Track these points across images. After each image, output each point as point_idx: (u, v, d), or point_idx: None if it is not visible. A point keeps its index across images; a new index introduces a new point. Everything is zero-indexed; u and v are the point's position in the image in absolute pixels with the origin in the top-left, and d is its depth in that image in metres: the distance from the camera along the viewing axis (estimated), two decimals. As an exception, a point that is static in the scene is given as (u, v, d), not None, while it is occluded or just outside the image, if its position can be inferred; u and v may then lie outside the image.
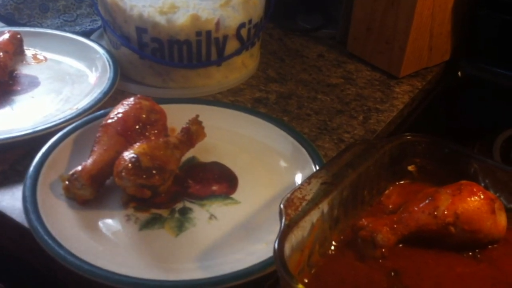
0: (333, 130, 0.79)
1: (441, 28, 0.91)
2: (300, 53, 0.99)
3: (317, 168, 0.67)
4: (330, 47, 1.01)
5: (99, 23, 0.97)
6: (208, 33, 0.79)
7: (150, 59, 0.81)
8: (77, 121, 0.72)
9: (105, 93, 0.77)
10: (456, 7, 0.90)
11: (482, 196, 0.56)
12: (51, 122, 0.71)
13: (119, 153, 0.63)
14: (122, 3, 0.78)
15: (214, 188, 0.67)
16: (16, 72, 0.85)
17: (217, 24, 0.79)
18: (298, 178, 0.68)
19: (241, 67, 0.88)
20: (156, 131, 0.68)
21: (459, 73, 0.93)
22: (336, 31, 1.02)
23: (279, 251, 0.46)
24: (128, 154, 0.61)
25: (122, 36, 0.81)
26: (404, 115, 0.86)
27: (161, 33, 0.78)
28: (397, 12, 0.86)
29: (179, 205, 0.64)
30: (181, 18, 0.77)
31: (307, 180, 0.55)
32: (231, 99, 0.85)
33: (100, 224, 0.60)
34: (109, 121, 0.67)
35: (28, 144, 0.70)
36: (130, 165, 0.60)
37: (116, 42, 0.83)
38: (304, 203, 0.52)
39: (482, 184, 0.61)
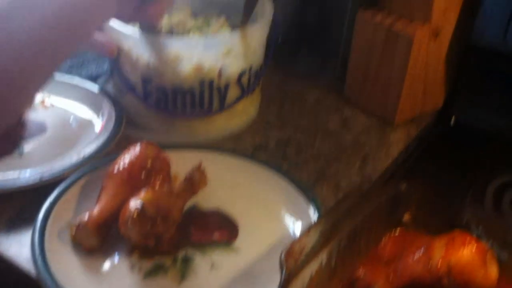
0: (331, 177, 0.81)
1: (435, 76, 0.94)
2: (298, 98, 1.02)
3: (316, 215, 0.69)
4: (327, 91, 1.04)
5: (105, 67, 1.00)
6: (211, 82, 0.82)
7: (155, 109, 0.84)
8: (83, 167, 0.74)
9: (111, 140, 0.80)
10: (448, 56, 0.94)
11: (474, 247, 0.58)
12: (57, 170, 0.73)
13: (124, 201, 0.65)
14: (129, 53, 0.81)
15: (216, 235, 0.68)
16: (23, 117, 0.87)
17: (219, 73, 0.82)
18: (298, 226, 0.70)
19: (242, 113, 0.91)
20: (160, 179, 0.70)
21: (452, 120, 0.96)
22: (333, 76, 1.05)
23: (279, 304, 0.48)
24: (133, 203, 0.63)
25: (128, 84, 0.84)
26: (399, 161, 0.88)
27: (166, 83, 0.81)
28: (392, 60, 0.90)
29: (181, 253, 0.66)
30: (186, 68, 0.80)
31: (306, 231, 0.57)
32: (232, 144, 0.87)
33: (106, 272, 0.62)
34: (115, 169, 0.69)
35: (34, 191, 0.72)
36: (136, 214, 0.62)
37: (122, 89, 0.86)
38: (303, 254, 0.54)
39: (476, 232, 0.63)
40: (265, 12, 0.87)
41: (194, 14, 0.97)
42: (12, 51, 0.43)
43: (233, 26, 0.94)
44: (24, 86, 0.46)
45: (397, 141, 0.90)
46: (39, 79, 0.48)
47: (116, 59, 0.84)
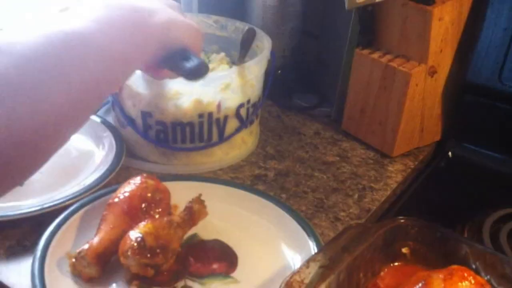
0: (329, 208, 0.82)
1: (432, 111, 0.96)
2: (297, 130, 1.03)
3: (315, 247, 0.69)
4: (326, 124, 1.05)
5: (107, 99, 1.01)
6: (210, 114, 0.84)
7: (154, 143, 0.85)
8: (83, 198, 0.75)
9: (111, 170, 0.80)
10: (445, 92, 0.95)
11: (472, 281, 0.58)
12: (58, 199, 0.74)
13: (124, 231, 0.65)
14: (130, 89, 0.82)
15: (215, 266, 0.69)
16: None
17: (218, 106, 0.84)
18: (296, 257, 0.70)
19: (241, 144, 0.92)
20: (160, 210, 0.71)
21: (450, 154, 0.97)
22: (331, 110, 1.07)
23: (279, 337, 0.49)
24: (133, 234, 0.64)
25: (128, 117, 0.85)
26: (397, 194, 0.89)
27: (166, 117, 0.82)
28: (389, 96, 0.91)
29: (180, 284, 0.66)
30: (185, 103, 0.81)
31: (306, 264, 0.57)
32: (231, 175, 0.88)
33: (105, 302, 0.62)
34: (116, 200, 0.70)
35: (34, 220, 0.72)
36: (135, 244, 0.62)
37: (122, 122, 0.87)
38: (302, 287, 0.55)
39: (473, 267, 0.64)
40: (264, 48, 0.90)
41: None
42: (32, 123, 0.40)
43: (233, 61, 0.96)
44: (41, 154, 0.44)
45: (395, 174, 0.91)
46: (55, 145, 0.46)
47: (117, 93, 0.85)
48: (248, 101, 0.88)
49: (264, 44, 0.91)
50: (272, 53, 0.90)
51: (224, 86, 0.83)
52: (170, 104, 0.81)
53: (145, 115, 0.83)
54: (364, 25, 0.93)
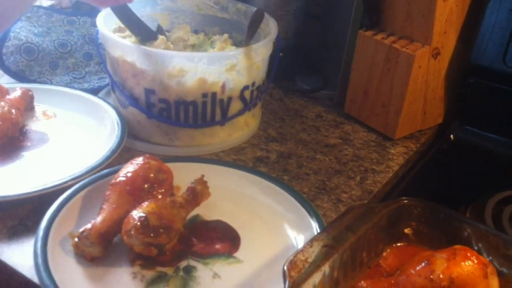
0: (332, 190, 0.82)
1: (435, 94, 0.95)
2: (299, 113, 1.03)
3: (317, 228, 0.70)
4: (328, 107, 1.05)
5: (107, 80, 1.01)
6: (214, 95, 0.83)
7: (158, 119, 0.84)
8: (85, 178, 0.74)
9: (113, 151, 0.80)
10: (448, 75, 0.95)
11: (475, 261, 0.59)
12: (60, 180, 0.74)
13: (127, 211, 0.65)
14: (133, 66, 0.82)
15: (218, 246, 0.69)
16: (26, 128, 0.88)
17: (223, 87, 0.83)
18: (299, 238, 0.70)
19: (244, 126, 0.92)
20: (163, 190, 0.71)
21: (452, 136, 0.97)
22: (334, 93, 1.06)
23: (283, 314, 0.49)
24: (137, 213, 0.64)
25: (130, 96, 0.85)
26: (399, 176, 0.89)
27: (169, 95, 0.82)
28: (392, 78, 0.91)
29: (183, 263, 0.66)
30: (189, 81, 0.81)
31: (309, 243, 0.57)
32: (233, 157, 0.88)
33: (108, 281, 0.62)
34: (119, 180, 0.69)
35: (37, 200, 0.72)
36: (139, 224, 0.62)
37: (124, 101, 0.87)
38: (306, 266, 0.55)
39: (475, 248, 0.64)
40: (270, 31, 0.89)
41: (195, 31, 0.99)
42: None
43: (236, 43, 0.95)
44: None
45: (397, 156, 0.91)
46: None
47: (118, 71, 0.85)
48: (253, 84, 0.88)
49: (269, 27, 0.90)
50: (278, 36, 0.89)
51: (230, 67, 0.82)
52: (174, 82, 0.81)
53: (149, 92, 0.82)
54: (368, 5, 0.92)
